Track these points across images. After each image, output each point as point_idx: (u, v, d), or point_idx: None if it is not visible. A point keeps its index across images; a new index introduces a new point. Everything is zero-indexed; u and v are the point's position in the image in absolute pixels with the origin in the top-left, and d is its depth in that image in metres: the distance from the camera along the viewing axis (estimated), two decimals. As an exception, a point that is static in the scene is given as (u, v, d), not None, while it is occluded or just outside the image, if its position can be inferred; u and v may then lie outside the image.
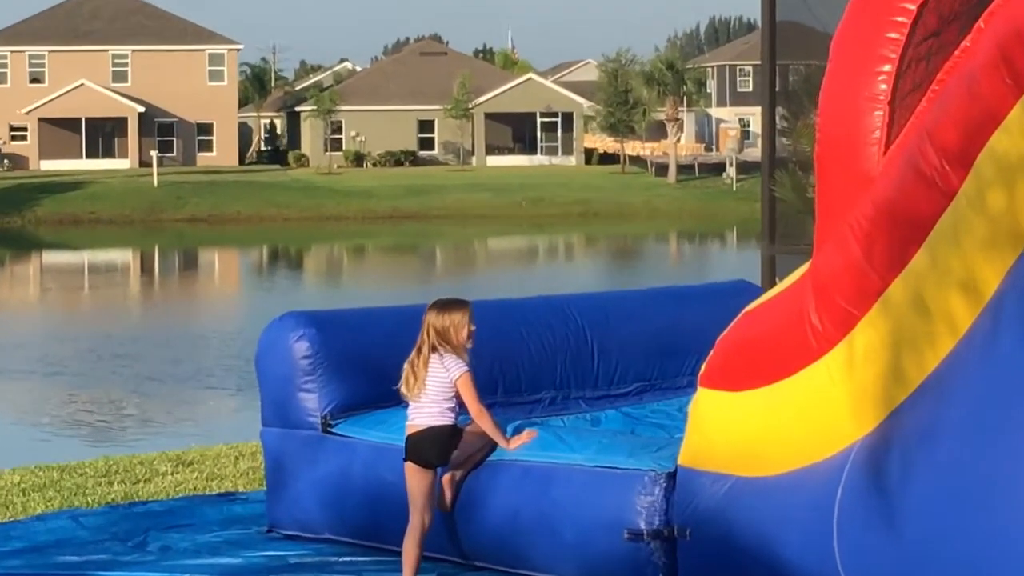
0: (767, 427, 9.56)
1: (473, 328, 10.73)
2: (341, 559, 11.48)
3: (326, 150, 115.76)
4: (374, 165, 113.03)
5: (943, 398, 8.82)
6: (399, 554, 10.77)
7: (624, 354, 12.82)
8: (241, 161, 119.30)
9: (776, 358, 9.50)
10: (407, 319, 12.28)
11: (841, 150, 9.65)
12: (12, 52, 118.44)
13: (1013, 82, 7.99)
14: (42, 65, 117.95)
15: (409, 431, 10.76)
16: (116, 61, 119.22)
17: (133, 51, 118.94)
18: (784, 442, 9.45)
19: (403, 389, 10.77)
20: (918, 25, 9.32)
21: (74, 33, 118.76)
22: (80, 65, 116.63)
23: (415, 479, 10.64)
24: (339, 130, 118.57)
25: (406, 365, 10.92)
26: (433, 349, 10.61)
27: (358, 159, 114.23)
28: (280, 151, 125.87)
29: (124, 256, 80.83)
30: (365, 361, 11.99)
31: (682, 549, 9.80)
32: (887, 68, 9.37)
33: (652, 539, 9.85)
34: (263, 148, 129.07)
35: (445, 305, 10.87)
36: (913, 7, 9.44)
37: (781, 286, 10.31)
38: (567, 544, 10.33)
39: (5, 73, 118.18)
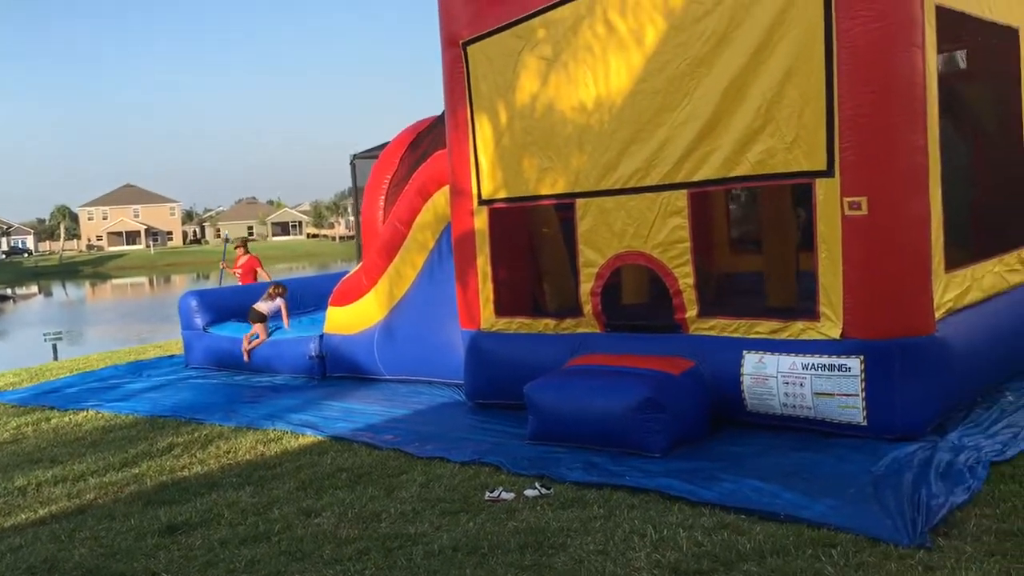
0: (351, 318, 10.02)
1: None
2: (236, 378, 10.92)
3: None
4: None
5: (404, 306, 9.47)
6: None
7: (311, 296, 12.65)
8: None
9: (352, 294, 10.02)
10: (241, 292, 12.63)
11: (370, 223, 10.30)
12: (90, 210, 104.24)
13: (422, 199, 9.02)
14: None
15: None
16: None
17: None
18: (356, 322, 9.96)
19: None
20: (395, 175, 10.08)
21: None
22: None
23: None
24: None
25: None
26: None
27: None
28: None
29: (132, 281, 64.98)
30: (219, 307, 12.14)
31: (327, 361, 10.23)
32: (383, 196, 10.18)
33: (317, 358, 10.37)
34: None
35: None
36: (392, 170, 10.09)
37: (355, 270, 10.34)
38: (289, 361, 10.65)
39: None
